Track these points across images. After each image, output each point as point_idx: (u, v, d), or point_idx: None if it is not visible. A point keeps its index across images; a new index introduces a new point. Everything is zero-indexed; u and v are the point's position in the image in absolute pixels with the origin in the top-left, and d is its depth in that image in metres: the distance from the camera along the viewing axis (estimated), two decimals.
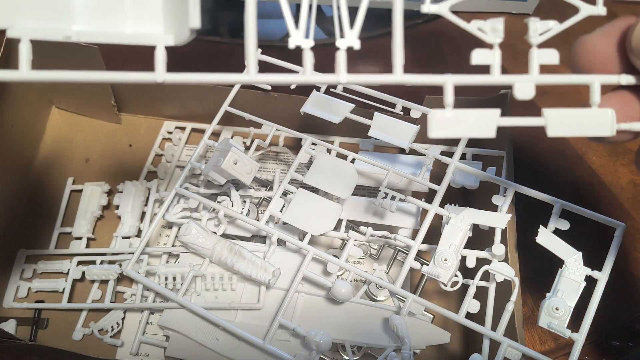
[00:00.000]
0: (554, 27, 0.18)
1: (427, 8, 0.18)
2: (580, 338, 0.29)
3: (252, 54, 0.17)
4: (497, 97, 0.37)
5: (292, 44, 0.17)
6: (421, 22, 0.56)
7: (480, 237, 0.34)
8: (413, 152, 0.37)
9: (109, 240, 0.41)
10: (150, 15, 0.18)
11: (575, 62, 0.21)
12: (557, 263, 0.30)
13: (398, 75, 0.18)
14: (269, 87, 0.40)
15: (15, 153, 0.43)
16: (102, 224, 0.43)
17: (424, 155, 0.36)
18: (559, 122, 0.19)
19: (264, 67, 0.38)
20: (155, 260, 0.39)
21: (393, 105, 0.38)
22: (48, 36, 0.17)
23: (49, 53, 0.39)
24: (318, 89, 0.39)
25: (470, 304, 0.31)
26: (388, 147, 0.44)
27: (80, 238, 0.41)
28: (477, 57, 0.18)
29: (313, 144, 0.38)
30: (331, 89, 0.39)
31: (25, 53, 0.17)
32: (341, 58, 0.17)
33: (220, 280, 0.36)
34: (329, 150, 0.37)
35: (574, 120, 0.19)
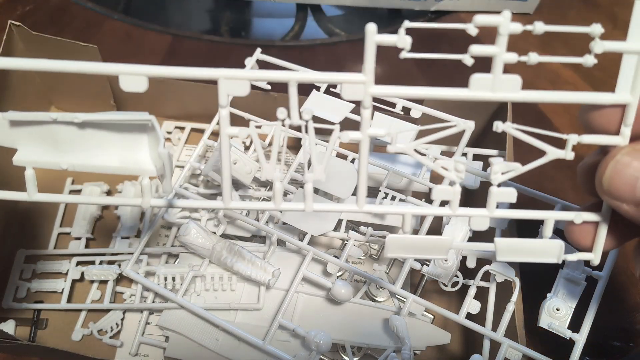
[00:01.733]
0: (516, 168, 0.19)
1: (394, 148, 0.19)
2: (580, 338, 0.29)
3: (228, 185, 0.20)
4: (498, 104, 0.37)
5: (263, 177, 0.19)
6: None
7: (480, 237, 0.33)
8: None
9: (109, 241, 0.41)
10: (134, 149, 0.21)
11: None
12: (557, 263, 0.30)
13: (360, 206, 0.20)
14: (269, 87, 0.40)
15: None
16: (102, 224, 0.43)
17: (424, 155, 0.36)
18: (509, 250, 0.20)
19: (263, 67, 0.38)
20: (154, 261, 0.39)
21: (393, 105, 0.38)
22: (47, 166, 0.20)
23: (48, 52, 0.40)
24: (318, 88, 0.39)
25: (471, 305, 0.31)
26: None
27: (79, 238, 0.41)
28: (438, 193, 0.20)
29: None
30: (331, 89, 0.39)
31: (31, 179, 0.20)
32: (308, 190, 0.20)
33: (220, 281, 0.36)
34: None
35: (524, 249, 0.21)
